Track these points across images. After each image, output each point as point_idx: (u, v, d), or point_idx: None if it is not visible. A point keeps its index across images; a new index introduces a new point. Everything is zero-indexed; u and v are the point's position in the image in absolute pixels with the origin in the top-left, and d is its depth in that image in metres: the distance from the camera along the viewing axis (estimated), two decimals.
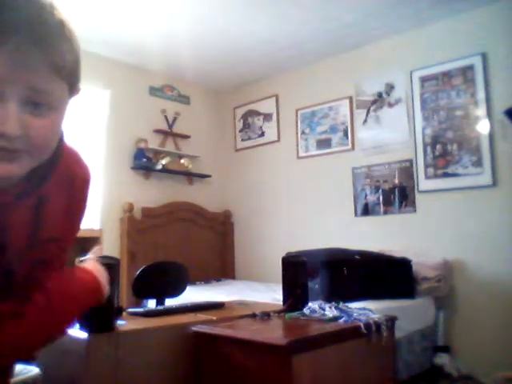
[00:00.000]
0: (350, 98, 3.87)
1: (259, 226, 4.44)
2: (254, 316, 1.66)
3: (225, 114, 4.84)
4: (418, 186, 3.43)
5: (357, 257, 2.95)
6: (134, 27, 3.41)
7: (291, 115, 4.28)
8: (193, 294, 3.02)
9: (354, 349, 1.52)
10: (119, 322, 1.37)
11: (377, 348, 1.56)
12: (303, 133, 4.18)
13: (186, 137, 4.46)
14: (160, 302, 2.13)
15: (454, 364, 2.95)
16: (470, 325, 3.13)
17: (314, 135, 4.10)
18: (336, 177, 3.91)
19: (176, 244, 4.11)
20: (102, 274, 0.97)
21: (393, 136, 3.60)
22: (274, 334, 1.47)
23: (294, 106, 4.26)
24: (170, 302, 2.10)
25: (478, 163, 3.15)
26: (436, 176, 3.34)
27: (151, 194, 4.11)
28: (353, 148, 3.83)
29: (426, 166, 3.39)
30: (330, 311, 1.65)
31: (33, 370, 1.25)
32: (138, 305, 3.27)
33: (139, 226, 3.91)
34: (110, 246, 3.70)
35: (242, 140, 4.70)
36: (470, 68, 3.22)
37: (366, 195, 3.72)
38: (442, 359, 2.96)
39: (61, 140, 0.80)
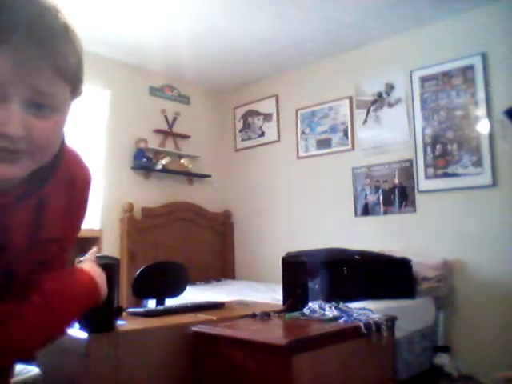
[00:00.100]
0: (350, 98, 3.87)
1: (259, 226, 4.44)
2: (254, 316, 1.66)
3: (225, 114, 4.84)
4: (418, 186, 3.43)
5: (357, 257, 2.95)
6: (134, 27, 3.42)
7: (291, 115, 4.28)
8: (193, 294, 3.02)
9: (354, 349, 1.52)
10: (119, 322, 1.37)
11: (377, 348, 1.56)
12: (303, 133, 4.18)
13: (186, 137, 4.46)
14: (160, 301, 2.13)
15: (453, 364, 2.95)
16: (469, 325, 3.13)
17: (314, 135, 4.10)
18: (336, 177, 3.91)
19: (176, 244, 4.11)
20: (99, 275, 0.97)
21: (393, 136, 3.60)
22: (274, 334, 1.47)
23: (294, 106, 4.26)
24: (170, 302, 2.10)
25: (478, 163, 3.15)
26: (436, 176, 3.34)
27: (151, 194, 4.11)
28: (353, 148, 3.84)
29: (426, 165, 3.39)
30: (330, 311, 1.65)
31: (33, 370, 1.25)
32: (138, 305, 3.27)
33: (139, 225, 3.91)
34: (110, 245, 3.70)
35: (242, 140, 4.70)
36: (470, 68, 3.22)
37: (366, 195, 3.72)
38: (442, 359, 2.96)
39: (62, 142, 0.80)
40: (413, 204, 3.46)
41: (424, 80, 3.44)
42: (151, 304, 2.89)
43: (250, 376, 1.37)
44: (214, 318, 1.61)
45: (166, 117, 4.31)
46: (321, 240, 3.67)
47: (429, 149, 3.39)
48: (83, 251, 1.07)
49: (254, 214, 4.49)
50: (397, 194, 3.55)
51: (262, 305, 2.00)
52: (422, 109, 3.44)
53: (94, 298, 0.94)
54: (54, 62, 0.67)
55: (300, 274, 1.86)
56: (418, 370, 2.83)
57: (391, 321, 1.66)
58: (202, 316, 1.63)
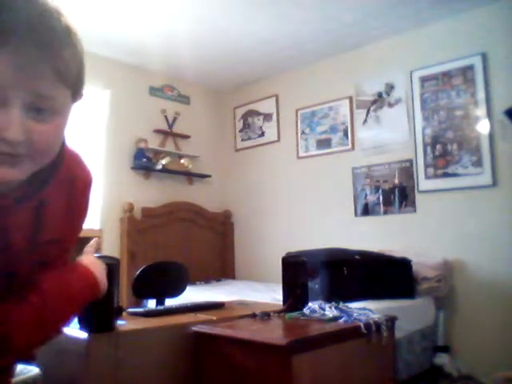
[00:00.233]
0: (350, 98, 3.88)
1: (259, 226, 4.44)
2: (253, 316, 1.66)
3: (225, 114, 4.84)
4: (418, 186, 3.43)
5: (357, 257, 2.95)
6: (134, 27, 3.42)
7: (291, 115, 4.28)
8: (193, 294, 3.02)
9: (354, 349, 1.52)
10: (119, 322, 1.37)
11: (377, 348, 1.56)
12: (303, 133, 4.18)
13: (186, 137, 4.46)
14: (160, 301, 2.13)
15: (453, 364, 2.96)
16: (470, 325, 3.13)
17: (314, 135, 4.10)
18: (336, 177, 3.91)
19: (176, 244, 4.11)
20: (98, 269, 0.96)
21: (393, 136, 3.60)
22: (274, 334, 1.47)
23: (294, 105, 4.26)
24: (170, 302, 2.10)
25: (478, 163, 3.15)
26: (436, 176, 3.34)
27: (151, 194, 4.11)
28: (353, 148, 3.84)
29: (426, 165, 3.39)
30: (330, 311, 1.65)
31: (33, 370, 1.25)
32: (138, 305, 3.27)
33: (139, 225, 3.91)
34: (110, 245, 3.70)
35: (242, 140, 4.70)
36: (470, 68, 3.22)
37: (366, 195, 3.72)
38: (441, 359, 2.96)
39: (63, 144, 0.80)
40: (413, 204, 3.46)
41: (424, 80, 3.44)
42: (151, 304, 2.89)
43: (250, 376, 1.37)
44: (214, 318, 1.60)
45: (166, 117, 4.31)
46: (321, 240, 3.67)
47: (429, 149, 3.39)
48: (83, 251, 1.07)
49: (254, 214, 4.49)
50: (397, 194, 3.55)
51: (262, 305, 2.00)
52: (421, 109, 3.44)
53: (94, 292, 0.94)
54: (55, 65, 0.66)
55: (300, 274, 1.86)
56: (418, 369, 2.83)
57: (391, 321, 1.66)
58: (201, 316, 1.63)
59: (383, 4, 3.15)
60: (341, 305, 1.72)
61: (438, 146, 3.34)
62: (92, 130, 3.83)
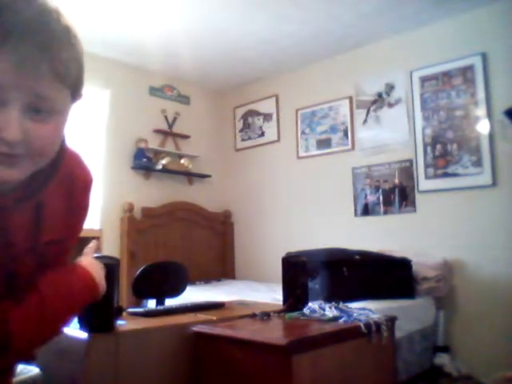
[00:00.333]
0: (350, 98, 3.87)
1: (259, 226, 4.44)
2: (253, 316, 1.66)
3: (225, 114, 4.84)
4: (418, 186, 3.43)
5: (357, 257, 2.95)
6: (134, 27, 3.41)
7: (291, 115, 4.28)
8: (193, 294, 3.02)
9: (354, 349, 1.52)
10: (119, 322, 1.37)
11: (377, 348, 1.57)
12: (303, 133, 4.18)
13: (185, 137, 4.46)
14: (160, 301, 2.13)
15: (453, 364, 2.96)
16: (470, 325, 3.13)
17: (314, 135, 4.10)
18: (336, 177, 3.91)
19: (176, 244, 4.11)
20: (97, 270, 0.96)
21: (393, 136, 3.60)
22: (274, 334, 1.47)
23: (294, 106, 4.26)
24: (170, 302, 2.10)
25: (478, 163, 3.15)
26: (436, 176, 3.34)
27: (151, 194, 4.11)
28: (353, 148, 3.84)
29: (426, 165, 3.39)
30: (330, 311, 1.65)
31: (33, 370, 1.25)
32: (138, 305, 3.27)
33: (139, 225, 3.91)
34: (110, 245, 3.70)
35: (242, 140, 4.70)
36: (470, 68, 3.22)
37: (366, 195, 3.72)
38: (441, 359, 2.96)
39: (62, 144, 0.80)
40: (413, 204, 3.46)
41: (424, 80, 3.44)
42: (151, 304, 2.89)
43: (250, 376, 1.37)
44: (214, 318, 1.61)
45: (165, 117, 4.31)
46: (321, 240, 3.67)
47: (429, 149, 3.39)
48: (83, 251, 1.07)
49: (254, 214, 4.49)
50: (397, 194, 3.55)
51: (262, 305, 2.00)
52: (422, 109, 3.44)
53: (93, 293, 0.94)
54: (54, 66, 0.66)
55: (300, 273, 1.86)
56: (417, 369, 2.83)
57: (391, 321, 1.66)
58: (202, 316, 1.63)
59: (383, 4, 3.15)
60: (341, 305, 1.72)
61: (438, 146, 3.34)
62: (92, 130, 3.83)
